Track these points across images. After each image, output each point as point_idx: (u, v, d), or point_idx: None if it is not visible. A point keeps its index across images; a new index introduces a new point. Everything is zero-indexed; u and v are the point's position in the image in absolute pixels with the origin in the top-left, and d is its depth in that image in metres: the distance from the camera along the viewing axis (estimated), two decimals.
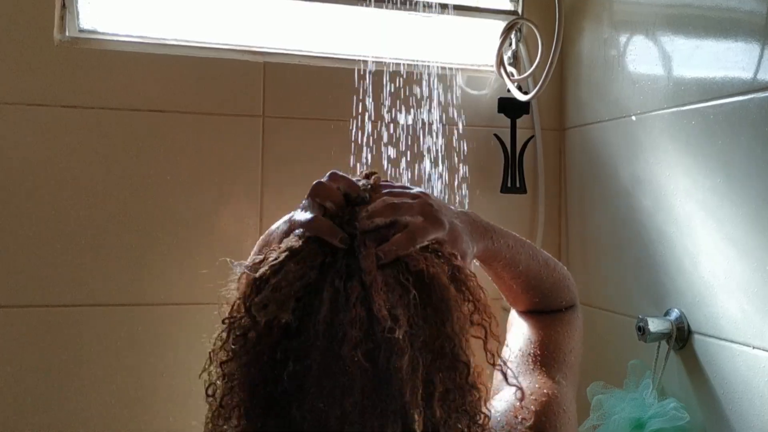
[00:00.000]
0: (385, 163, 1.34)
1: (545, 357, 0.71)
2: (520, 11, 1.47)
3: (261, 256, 0.59)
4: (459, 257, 0.62)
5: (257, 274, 0.57)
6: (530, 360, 0.71)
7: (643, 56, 1.27)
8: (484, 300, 0.60)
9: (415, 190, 0.65)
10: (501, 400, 0.65)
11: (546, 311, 0.79)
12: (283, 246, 0.59)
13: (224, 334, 0.58)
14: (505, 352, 0.72)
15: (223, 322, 0.59)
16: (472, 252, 0.66)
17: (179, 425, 1.25)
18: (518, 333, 0.77)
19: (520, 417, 0.62)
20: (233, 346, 0.58)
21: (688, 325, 1.13)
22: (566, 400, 0.67)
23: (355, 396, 0.53)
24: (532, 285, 0.76)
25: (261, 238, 0.72)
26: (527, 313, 0.79)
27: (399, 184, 0.67)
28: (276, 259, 0.58)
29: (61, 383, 1.22)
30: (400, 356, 0.53)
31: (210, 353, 0.60)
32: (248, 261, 0.61)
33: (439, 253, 0.60)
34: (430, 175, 1.37)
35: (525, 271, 0.74)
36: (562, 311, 0.79)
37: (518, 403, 0.63)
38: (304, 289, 0.56)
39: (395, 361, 0.53)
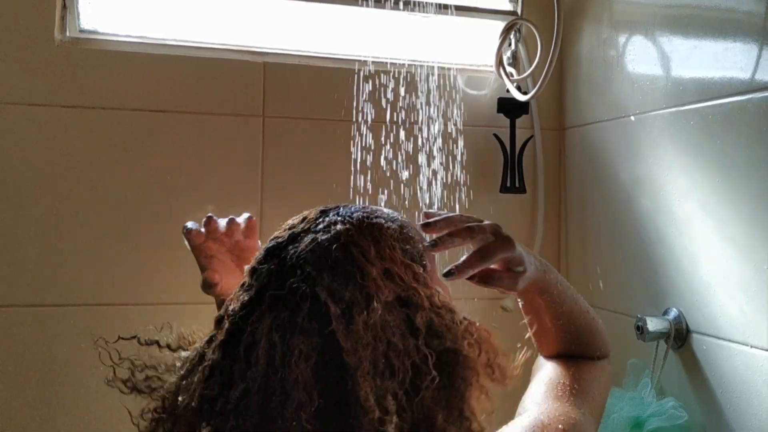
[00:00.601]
0: (383, 163, 1.34)
1: (575, 389, 0.70)
2: (519, 11, 1.48)
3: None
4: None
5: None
6: (559, 388, 0.71)
7: (642, 56, 1.27)
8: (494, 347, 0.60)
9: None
10: (528, 416, 0.64)
11: (579, 357, 0.78)
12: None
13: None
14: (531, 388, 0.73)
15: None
16: (531, 275, 0.68)
17: None
18: (546, 369, 0.76)
19: None
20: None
21: (687, 325, 1.14)
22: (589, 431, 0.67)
23: None
24: (571, 329, 0.76)
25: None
26: (557, 356, 0.78)
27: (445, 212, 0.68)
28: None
29: (63, 383, 1.22)
30: None
31: None
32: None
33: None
34: (429, 175, 1.37)
35: (567, 313, 0.74)
36: (595, 359, 0.79)
37: (546, 420, 0.63)
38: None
39: None
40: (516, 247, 0.65)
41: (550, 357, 0.79)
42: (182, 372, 0.60)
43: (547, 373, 0.75)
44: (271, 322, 0.54)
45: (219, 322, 0.59)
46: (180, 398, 0.57)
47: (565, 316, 0.74)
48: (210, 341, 0.59)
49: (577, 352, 0.78)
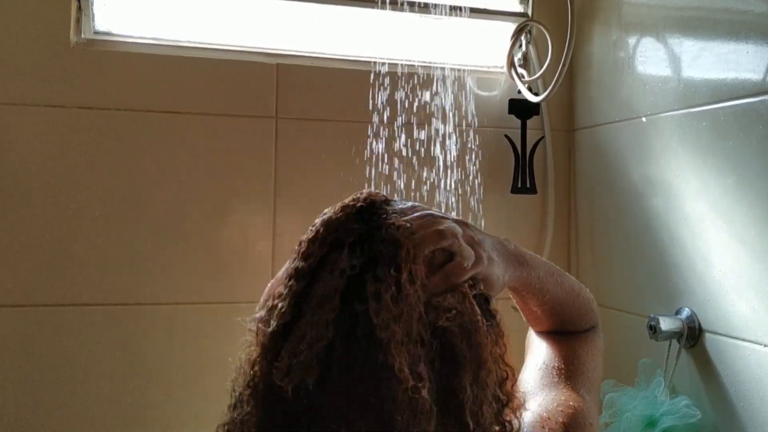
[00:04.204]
0: (396, 163, 1.35)
1: (569, 371, 0.71)
2: (530, 13, 1.48)
3: (270, 304, 0.58)
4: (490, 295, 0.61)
5: (269, 329, 0.56)
6: (554, 373, 0.71)
7: (652, 58, 1.28)
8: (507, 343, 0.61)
9: (452, 216, 0.64)
10: (527, 411, 0.64)
11: (567, 332, 0.79)
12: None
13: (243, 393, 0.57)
14: (526, 370, 0.73)
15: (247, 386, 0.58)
16: (503, 284, 0.66)
17: (182, 426, 1.26)
18: (539, 350, 0.76)
19: (547, 428, 0.63)
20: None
21: (699, 324, 1.15)
22: (591, 414, 0.67)
23: None
24: (557, 311, 0.76)
25: (270, 283, 0.66)
26: (547, 333, 0.79)
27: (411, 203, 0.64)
28: (282, 308, 0.56)
29: (65, 383, 1.23)
30: (424, 417, 0.52)
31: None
32: (258, 310, 0.59)
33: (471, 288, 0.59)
34: (441, 176, 1.38)
35: (551, 299, 0.74)
36: (584, 332, 0.79)
37: (545, 414, 0.63)
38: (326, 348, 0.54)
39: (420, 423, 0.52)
40: (484, 262, 0.62)
41: (540, 333, 0.80)
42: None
43: (540, 356, 0.75)
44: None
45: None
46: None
47: (549, 302, 0.75)
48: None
49: (565, 327, 0.78)
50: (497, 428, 0.57)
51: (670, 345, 1.17)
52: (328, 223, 0.58)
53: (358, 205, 0.59)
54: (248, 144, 1.32)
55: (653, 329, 1.16)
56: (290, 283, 0.57)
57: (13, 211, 1.21)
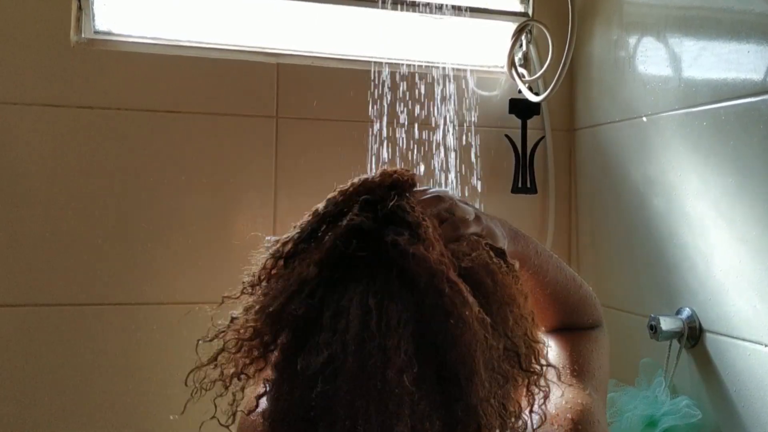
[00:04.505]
0: (397, 162, 1.35)
1: (575, 370, 0.71)
2: (530, 13, 1.48)
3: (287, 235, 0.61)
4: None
5: (271, 251, 0.59)
6: (560, 372, 0.70)
7: (653, 57, 1.28)
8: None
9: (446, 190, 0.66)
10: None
11: (572, 329, 0.79)
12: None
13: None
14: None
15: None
16: (505, 244, 0.68)
17: (183, 426, 1.26)
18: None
19: (556, 425, 0.63)
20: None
21: (700, 324, 1.14)
22: (599, 412, 0.67)
23: (404, 421, 0.51)
24: (559, 298, 0.76)
25: None
26: (552, 332, 0.79)
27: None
28: (293, 235, 0.59)
29: (65, 383, 1.23)
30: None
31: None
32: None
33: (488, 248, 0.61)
34: (441, 175, 1.38)
35: (552, 282, 0.74)
36: (588, 329, 0.79)
37: (553, 411, 0.63)
38: (307, 284, 0.56)
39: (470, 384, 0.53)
40: (482, 223, 0.65)
41: (546, 332, 0.80)
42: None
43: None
44: (364, 288, 0.54)
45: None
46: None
47: (550, 285, 0.75)
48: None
49: (569, 322, 0.78)
50: (540, 367, 0.59)
51: (670, 345, 1.17)
52: (365, 182, 0.61)
53: (395, 176, 0.62)
54: (248, 143, 1.32)
55: (654, 329, 1.16)
56: (310, 219, 0.60)
57: (13, 211, 1.21)
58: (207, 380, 0.60)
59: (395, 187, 0.61)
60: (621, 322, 1.33)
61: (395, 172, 0.62)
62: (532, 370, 0.58)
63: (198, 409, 0.61)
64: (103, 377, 1.25)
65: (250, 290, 0.61)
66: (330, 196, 0.61)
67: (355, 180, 0.62)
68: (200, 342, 0.63)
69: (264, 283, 0.60)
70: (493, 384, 0.54)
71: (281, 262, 0.59)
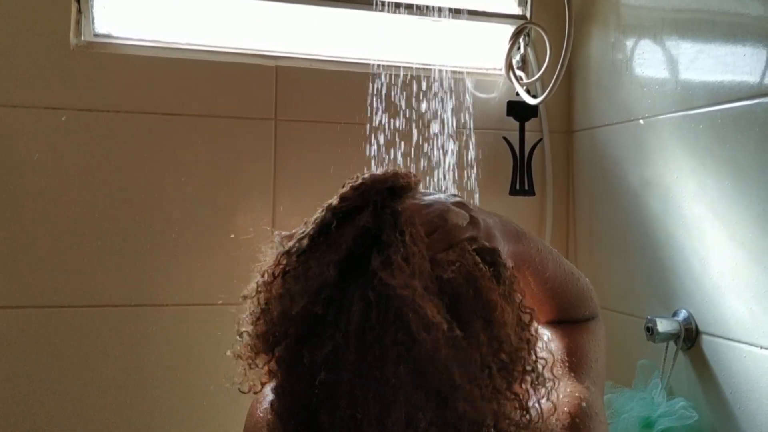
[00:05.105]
0: (400, 164, 1.36)
1: (573, 363, 0.72)
2: (528, 16, 1.49)
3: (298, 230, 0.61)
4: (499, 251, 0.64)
5: (285, 248, 0.60)
6: (558, 365, 0.71)
7: (650, 60, 1.28)
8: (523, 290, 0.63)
9: (448, 193, 0.67)
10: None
11: (569, 321, 0.79)
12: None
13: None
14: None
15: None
16: (504, 251, 0.68)
17: (183, 426, 1.27)
18: None
19: (553, 418, 0.63)
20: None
21: (696, 326, 1.15)
22: (597, 405, 0.68)
23: (400, 410, 0.53)
24: (558, 293, 0.77)
25: None
26: (549, 324, 0.80)
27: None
28: (305, 231, 0.60)
29: (65, 384, 1.23)
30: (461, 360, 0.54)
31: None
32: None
33: (475, 250, 0.62)
34: (439, 177, 1.38)
35: (552, 278, 0.75)
36: (585, 321, 0.80)
37: (550, 404, 0.63)
38: (326, 287, 0.57)
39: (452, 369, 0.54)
40: (480, 226, 0.65)
41: (543, 324, 0.80)
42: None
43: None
44: (365, 282, 0.56)
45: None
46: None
47: (549, 281, 0.75)
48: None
49: (566, 315, 0.79)
50: (528, 368, 0.59)
51: (667, 346, 1.18)
52: (375, 179, 0.62)
53: (400, 176, 0.63)
54: (247, 146, 1.33)
55: (650, 331, 1.16)
56: (324, 214, 0.61)
57: (13, 212, 1.21)
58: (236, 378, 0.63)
59: (399, 187, 0.62)
60: (618, 324, 1.34)
61: (406, 174, 0.64)
62: (519, 371, 0.59)
63: (202, 412, 0.62)
64: (104, 379, 1.25)
65: (264, 288, 0.61)
66: (342, 192, 0.62)
67: (366, 175, 0.63)
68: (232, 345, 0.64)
69: (279, 280, 0.60)
70: (483, 389, 0.55)
71: (294, 258, 0.60)
